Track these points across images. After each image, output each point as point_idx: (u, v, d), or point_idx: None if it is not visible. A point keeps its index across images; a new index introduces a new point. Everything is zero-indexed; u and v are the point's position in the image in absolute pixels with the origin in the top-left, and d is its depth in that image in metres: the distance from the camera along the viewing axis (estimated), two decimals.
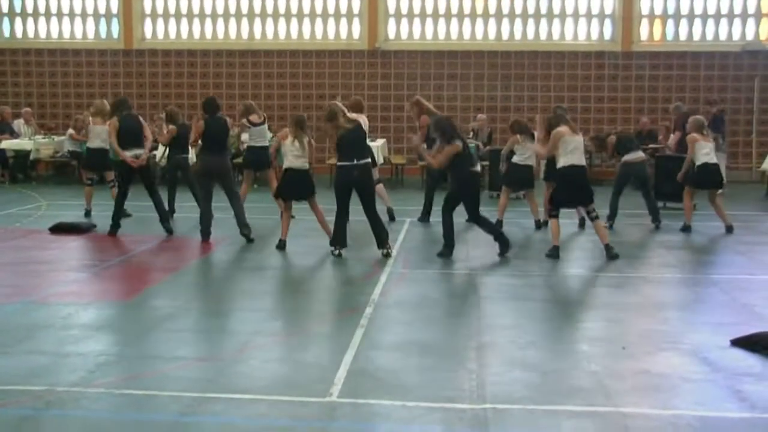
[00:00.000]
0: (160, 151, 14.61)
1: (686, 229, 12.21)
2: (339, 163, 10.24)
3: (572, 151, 10.16)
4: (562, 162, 10.27)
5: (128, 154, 11.59)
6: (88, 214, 13.12)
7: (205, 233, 11.11)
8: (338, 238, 10.21)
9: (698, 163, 12.20)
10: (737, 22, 19.85)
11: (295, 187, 10.63)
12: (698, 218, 12.59)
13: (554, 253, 10.11)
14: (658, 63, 19.77)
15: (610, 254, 10.03)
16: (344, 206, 10.20)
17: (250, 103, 13.58)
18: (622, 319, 7.69)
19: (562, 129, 10.32)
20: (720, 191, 12.61)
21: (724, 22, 19.86)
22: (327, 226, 10.62)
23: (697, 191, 12.53)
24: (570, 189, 10.27)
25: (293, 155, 10.52)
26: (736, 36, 19.86)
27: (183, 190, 13.42)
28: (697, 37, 19.95)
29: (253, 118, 13.03)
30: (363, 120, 11.76)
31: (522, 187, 12.95)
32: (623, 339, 6.97)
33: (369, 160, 10.42)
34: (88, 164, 13.53)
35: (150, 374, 5.90)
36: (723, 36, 19.90)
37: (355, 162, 10.02)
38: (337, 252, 10.15)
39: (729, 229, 12.10)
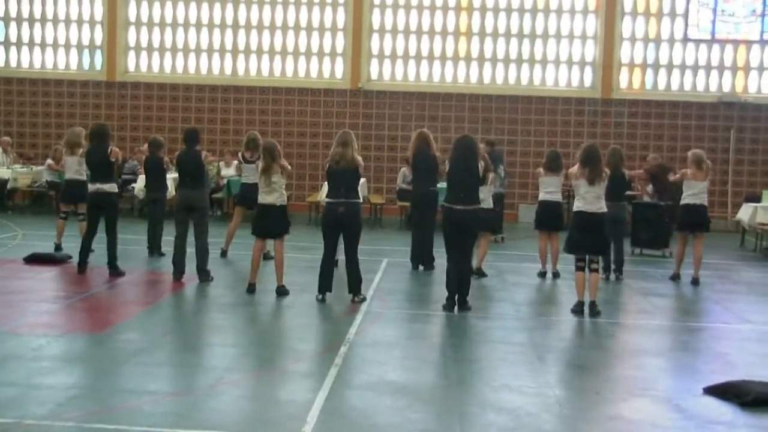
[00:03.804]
0: (140, 184, 14.39)
1: (675, 278, 12.05)
2: (326, 200, 10.00)
3: (583, 196, 9.70)
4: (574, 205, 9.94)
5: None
6: (58, 248, 12.52)
7: (178, 272, 10.76)
8: (323, 284, 9.78)
9: (681, 203, 11.99)
10: (714, 74, 20.17)
11: (263, 225, 10.15)
12: (672, 266, 12.54)
13: (578, 309, 9.61)
14: (636, 111, 20.01)
15: (593, 311, 9.53)
16: (331, 247, 9.82)
17: (253, 135, 12.79)
18: (596, 364, 7.70)
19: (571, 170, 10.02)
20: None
21: (701, 73, 20.19)
22: (281, 271, 10.11)
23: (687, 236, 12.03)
24: (578, 234, 9.73)
25: (262, 190, 10.12)
26: (713, 87, 20.17)
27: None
28: (675, 87, 20.24)
29: (247, 154, 12.55)
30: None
31: (492, 229, 12.63)
32: (597, 384, 6.97)
33: (359, 200, 9.94)
34: (67, 196, 13.10)
35: (120, 408, 5.83)
36: (700, 87, 20.20)
37: (342, 200, 9.64)
38: (321, 297, 9.76)
39: (694, 282, 11.88)
